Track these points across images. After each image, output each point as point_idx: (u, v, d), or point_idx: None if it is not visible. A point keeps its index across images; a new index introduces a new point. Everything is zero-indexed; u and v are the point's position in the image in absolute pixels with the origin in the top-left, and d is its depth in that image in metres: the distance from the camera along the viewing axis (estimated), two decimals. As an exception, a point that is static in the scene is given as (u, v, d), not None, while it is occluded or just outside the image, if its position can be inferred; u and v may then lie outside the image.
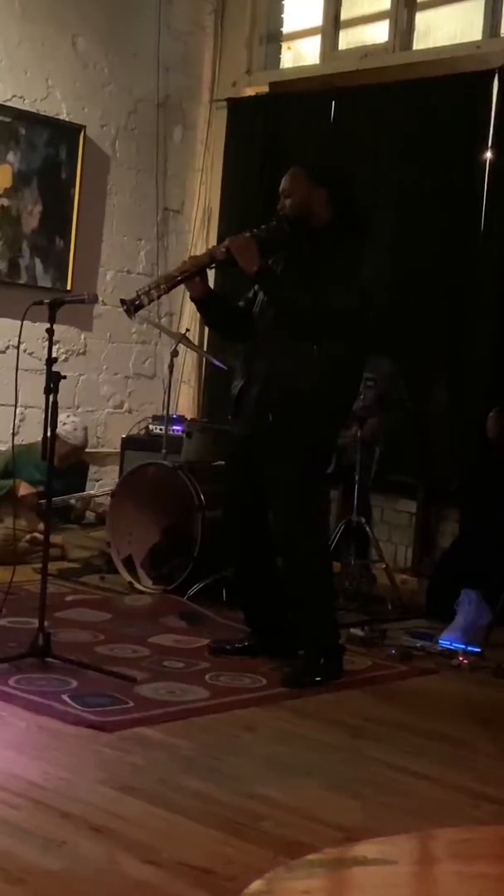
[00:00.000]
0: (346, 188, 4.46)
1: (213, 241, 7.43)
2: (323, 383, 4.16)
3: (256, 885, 1.64)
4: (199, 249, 7.55)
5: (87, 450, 6.79)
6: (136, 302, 4.36)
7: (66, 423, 6.46)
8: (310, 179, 4.29)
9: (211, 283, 4.64)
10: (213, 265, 4.41)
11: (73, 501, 6.57)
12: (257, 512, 4.26)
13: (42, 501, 4.99)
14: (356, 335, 4.24)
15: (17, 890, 2.44)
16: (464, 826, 2.86)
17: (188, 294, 4.69)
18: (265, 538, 4.29)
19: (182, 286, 4.52)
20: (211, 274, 4.67)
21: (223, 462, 5.70)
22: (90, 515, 6.80)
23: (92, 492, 6.86)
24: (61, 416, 6.51)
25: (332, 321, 4.14)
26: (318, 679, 4.14)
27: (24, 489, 6.00)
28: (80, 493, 6.66)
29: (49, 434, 4.02)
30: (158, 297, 4.45)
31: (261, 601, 4.45)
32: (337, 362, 4.18)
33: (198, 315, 7.51)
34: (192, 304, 7.47)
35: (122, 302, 4.43)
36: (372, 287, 4.30)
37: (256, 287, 4.35)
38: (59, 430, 6.41)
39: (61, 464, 6.48)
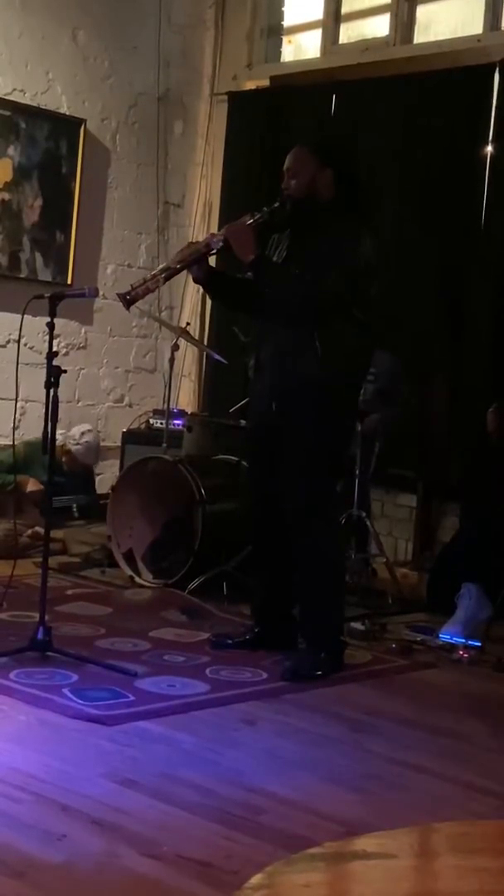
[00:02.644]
0: (351, 168, 4.43)
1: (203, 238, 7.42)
2: (327, 370, 4.13)
3: (257, 878, 1.65)
4: (200, 243, 7.55)
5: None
6: (128, 296, 4.37)
7: (80, 444, 6.44)
8: (316, 159, 4.24)
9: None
10: (212, 253, 4.40)
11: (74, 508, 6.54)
12: (274, 502, 4.26)
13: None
14: (360, 315, 4.22)
15: (18, 883, 2.45)
16: (464, 820, 2.86)
17: (189, 283, 4.69)
18: (282, 529, 4.27)
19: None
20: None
21: (225, 456, 5.72)
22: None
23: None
24: (74, 431, 6.51)
25: (324, 305, 4.12)
26: (318, 673, 4.13)
27: (32, 485, 6.00)
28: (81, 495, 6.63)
29: (50, 428, 4.02)
30: (155, 289, 4.45)
31: (271, 592, 4.44)
32: (341, 347, 4.16)
33: (198, 309, 7.57)
34: (192, 298, 7.56)
35: (119, 296, 4.44)
36: (373, 262, 4.23)
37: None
38: (72, 446, 6.43)
39: (69, 471, 6.48)
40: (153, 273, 4.46)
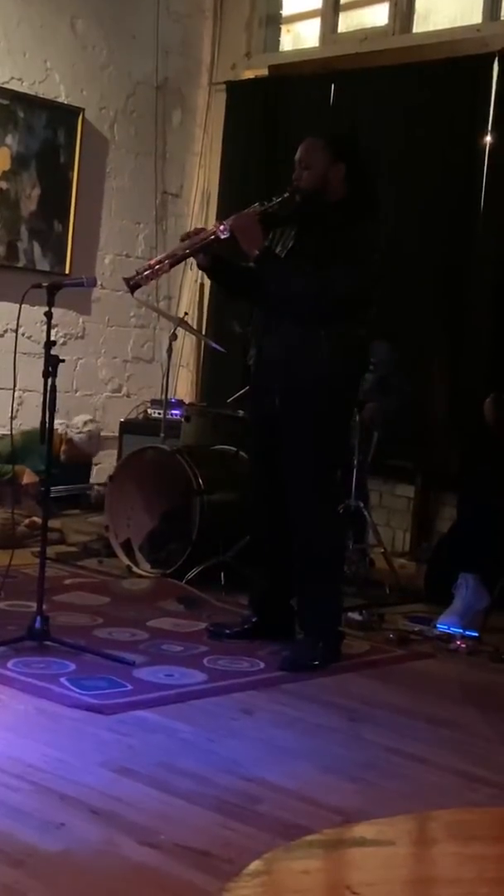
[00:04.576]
0: (364, 164, 4.39)
1: (211, 225, 7.41)
2: (333, 368, 4.13)
3: (255, 865, 1.65)
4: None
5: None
6: (132, 281, 4.36)
7: (83, 433, 6.47)
8: (328, 153, 4.20)
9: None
10: (216, 243, 4.37)
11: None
12: (275, 493, 4.25)
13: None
14: (364, 315, 4.22)
15: (16, 871, 2.45)
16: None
17: (187, 273, 4.68)
18: (282, 520, 4.25)
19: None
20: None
21: (223, 446, 5.72)
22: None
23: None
24: (77, 420, 6.52)
25: (336, 306, 4.12)
26: (316, 663, 4.14)
27: (27, 477, 5.99)
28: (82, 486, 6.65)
29: (48, 418, 4.01)
30: (160, 276, 4.45)
31: (270, 583, 4.43)
32: (346, 344, 4.16)
33: (196, 298, 7.56)
34: (191, 288, 7.55)
35: (125, 280, 4.43)
36: (380, 268, 4.25)
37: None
38: (74, 435, 6.45)
39: (68, 461, 6.49)
40: (159, 258, 4.45)
